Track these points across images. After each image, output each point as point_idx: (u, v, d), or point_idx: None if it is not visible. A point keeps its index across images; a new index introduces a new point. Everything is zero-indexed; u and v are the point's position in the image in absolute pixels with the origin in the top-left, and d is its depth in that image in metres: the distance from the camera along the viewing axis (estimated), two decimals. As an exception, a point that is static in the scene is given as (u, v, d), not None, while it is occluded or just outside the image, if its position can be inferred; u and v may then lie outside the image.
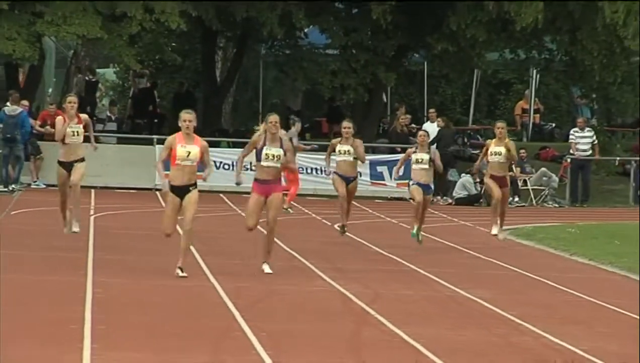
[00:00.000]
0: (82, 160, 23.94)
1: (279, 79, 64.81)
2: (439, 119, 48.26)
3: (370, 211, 40.15)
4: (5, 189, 42.46)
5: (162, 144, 40.03)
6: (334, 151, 26.44)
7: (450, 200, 44.69)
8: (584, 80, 59.50)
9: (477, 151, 45.89)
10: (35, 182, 43.76)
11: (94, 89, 61.24)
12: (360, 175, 31.64)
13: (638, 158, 56.53)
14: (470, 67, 60.32)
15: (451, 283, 21.56)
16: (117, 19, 51.92)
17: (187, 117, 18.72)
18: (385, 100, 62.16)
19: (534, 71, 61.31)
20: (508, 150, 28.94)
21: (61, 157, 23.89)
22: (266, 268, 19.54)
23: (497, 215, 29.66)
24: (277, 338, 12.73)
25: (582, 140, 47.70)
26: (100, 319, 14.11)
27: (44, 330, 14.43)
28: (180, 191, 18.40)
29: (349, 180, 25.62)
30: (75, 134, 23.50)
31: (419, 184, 27.06)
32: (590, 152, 48.14)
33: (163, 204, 20.80)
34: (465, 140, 57.71)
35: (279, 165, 19.80)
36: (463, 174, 47.06)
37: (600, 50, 55.33)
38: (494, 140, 30.41)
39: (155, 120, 57.52)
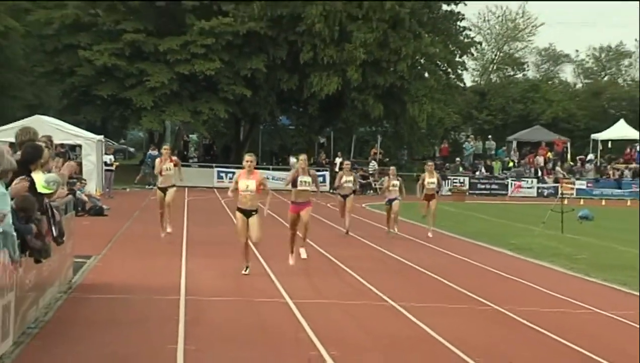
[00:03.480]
0: (173, 186, 29.14)
1: (267, 139, 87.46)
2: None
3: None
4: (151, 187, 48.36)
5: (217, 167, 68.02)
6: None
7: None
8: (407, 145, 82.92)
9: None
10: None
11: (187, 144, 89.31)
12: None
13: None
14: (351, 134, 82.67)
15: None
16: (197, 113, 73.20)
17: (249, 158, 21.70)
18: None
19: (379, 139, 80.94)
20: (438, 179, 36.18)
21: (160, 184, 29.27)
22: (303, 253, 24.13)
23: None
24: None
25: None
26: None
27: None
28: (245, 213, 21.69)
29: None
30: (168, 169, 28.70)
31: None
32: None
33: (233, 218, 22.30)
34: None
35: (309, 188, 23.63)
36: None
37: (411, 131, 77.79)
38: (426, 173, 35.92)
39: (212, 157, 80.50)
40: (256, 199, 21.38)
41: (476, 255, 29.59)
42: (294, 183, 23.72)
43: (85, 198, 38.91)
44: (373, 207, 50.52)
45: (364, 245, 31.27)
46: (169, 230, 28.45)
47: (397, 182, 35.02)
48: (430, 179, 34.80)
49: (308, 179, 23.42)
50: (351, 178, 34.44)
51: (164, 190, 28.67)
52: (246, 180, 21.31)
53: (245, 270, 21.88)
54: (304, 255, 24.13)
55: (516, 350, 15.82)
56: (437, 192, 36.02)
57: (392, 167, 40.05)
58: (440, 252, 30.21)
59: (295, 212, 23.63)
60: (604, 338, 16.89)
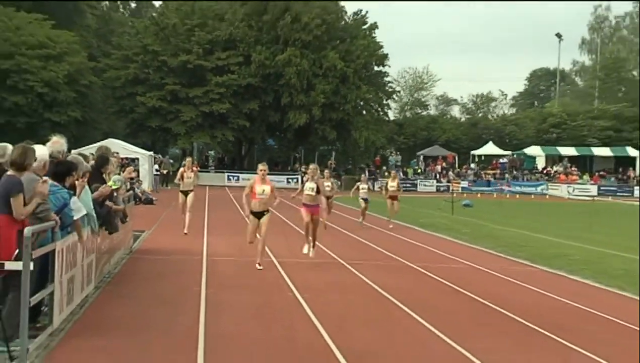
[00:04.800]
0: (192, 191, 25.36)
1: (260, 154, 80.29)
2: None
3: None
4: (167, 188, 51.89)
5: (226, 172, 66.70)
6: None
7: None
8: (352, 158, 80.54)
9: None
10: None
11: (207, 157, 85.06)
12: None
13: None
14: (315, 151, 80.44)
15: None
16: (214, 137, 72.00)
17: (262, 167, 17.92)
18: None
19: (333, 153, 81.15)
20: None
21: (181, 188, 25.45)
22: (311, 252, 19.38)
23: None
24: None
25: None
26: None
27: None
28: (257, 215, 17.69)
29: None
30: (189, 177, 25.17)
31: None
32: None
33: (247, 221, 18.34)
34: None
35: (314, 194, 19.05)
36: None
37: (354, 149, 76.68)
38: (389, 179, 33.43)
39: (223, 166, 77.97)
40: (267, 203, 17.73)
41: (398, 231, 29.35)
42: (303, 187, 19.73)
43: (140, 193, 38.78)
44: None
45: (337, 231, 29.46)
46: (185, 231, 24.62)
47: (365, 186, 32.17)
48: (392, 183, 31.96)
49: (312, 185, 19.08)
50: (329, 183, 29.61)
51: (185, 193, 25.17)
52: (261, 186, 17.62)
53: (259, 266, 17.66)
54: (305, 250, 19.52)
55: (422, 291, 15.85)
56: (399, 190, 32.39)
57: (362, 175, 38.41)
58: (376, 230, 29.81)
59: (306, 211, 19.12)
60: (480, 284, 16.86)
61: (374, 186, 33.94)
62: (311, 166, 20.43)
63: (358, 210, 32.10)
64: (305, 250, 19.36)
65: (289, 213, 30.52)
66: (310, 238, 19.31)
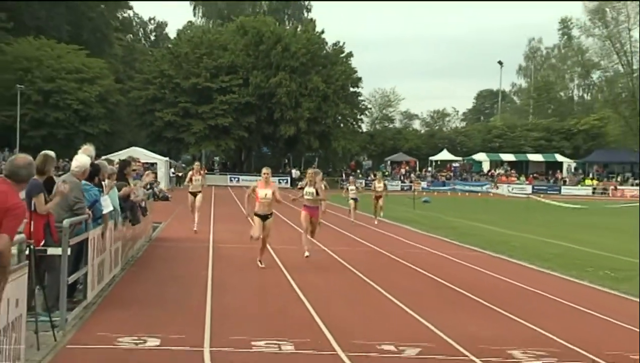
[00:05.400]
0: (200, 192, 23.09)
1: (256, 160, 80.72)
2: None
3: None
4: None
5: (229, 174, 66.90)
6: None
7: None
8: (332, 163, 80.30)
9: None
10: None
11: (214, 162, 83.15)
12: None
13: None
14: (301, 157, 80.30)
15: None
16: (219, 146, 72.34)
17: (266, 171, 15.54)
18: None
19: (317, 159, 78.10)
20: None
21: (190, 189, 23.27)
22: (307, 250, 16.51)
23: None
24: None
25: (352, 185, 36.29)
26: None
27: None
28: (262, 217, 15.27)
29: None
30: (197, 180, 22.99)
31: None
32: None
33: (251, 221, 15.96)
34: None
35: (312, 198, 16.49)
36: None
37: (334, 155, 77.61)
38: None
39: (226, 169, 77.17)
40: (271, 206, 15.39)
41: (368, 222, 29.02)
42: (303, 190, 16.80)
43: (158, 192, 38.49)
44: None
45: (325, 227, 30.38)
46: (195, 228, 22.69)
47: (353, 187, 29.73)
48: (378, 185, 29.90)
49: (311, 190, 16.39)
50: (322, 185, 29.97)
51: (194, 194, 23.03)
52: (264, 189, 15.21)
53: (261, 264, 15.37)
54: (307, 253, 16.48)
55: (390, 272, 15.69)
56: (385, 191, 30.22)
57: (351, 177, 36.56)
58: (361, 226, 29.30)
59: (307, 212, 16.54)
60: (437, 266, 16.75)
61: (385, 190, 31.12)
62: (309, 171, 17.28)
63: (345, 209, 31.20)
64: (307, 254, 16.39)
65: (283, 210, 30.32)
66: (309, 237, 16.81)
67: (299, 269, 14.79)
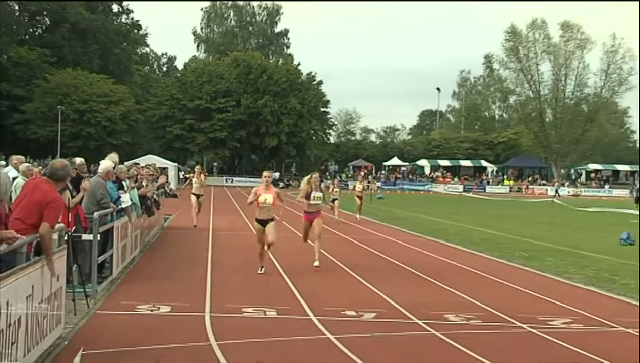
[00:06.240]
0: (202, 195, 21.16)
1: (246, 165, 79.85)
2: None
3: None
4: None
5: (225, 176, 66.45)
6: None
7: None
8: (307, 168, 74.90)
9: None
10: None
11: (213, 167, 76.42)
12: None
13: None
14: (282, 163, 77.39)
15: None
16: (217, 154, 71.93)
17: (266, 174, 11.98)
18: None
19: (294, 164, 77.18)
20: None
21: (193, 190, 21.03)
22: (317, 263, 12.45)
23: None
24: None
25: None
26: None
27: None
28: (262, 222, 11.85)
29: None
30: (198, 181, 20.99)
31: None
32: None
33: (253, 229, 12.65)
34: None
35: (320, 202, 13.02)
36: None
37: (308, 161, 75.39)
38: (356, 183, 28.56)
39: (223, 172, 75.68)
40: (271, 211, 11.90)
41: (342, 217, 28.71)
42: (308, 196, 12.88)
43: (169, 190, 38.24)
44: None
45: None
46: (194, 223, 20.34)
47: (337, 189, 25.63)
48: (359, 186, 27.56)
49: (319, 194, 12.95)
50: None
51: (197, 196, 20.88)
52: (264, 194, 11.74)
53: (261, 270, 11.93)
54: (317, 263, 12.63)
55: (353, 254, 15.53)
56: (364, 190, 27.76)
57: (335, 180, 33.53)
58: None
59: (308, 220, 13.05)
60: (390, 249, 16.53)
61: (365, 190, 27.85)
62: (314, 176, 13.18)
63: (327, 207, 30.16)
64: (316, 263, 12.61)
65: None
66: (309, 241, 13.36)
67: (281, 253, 14.26)
